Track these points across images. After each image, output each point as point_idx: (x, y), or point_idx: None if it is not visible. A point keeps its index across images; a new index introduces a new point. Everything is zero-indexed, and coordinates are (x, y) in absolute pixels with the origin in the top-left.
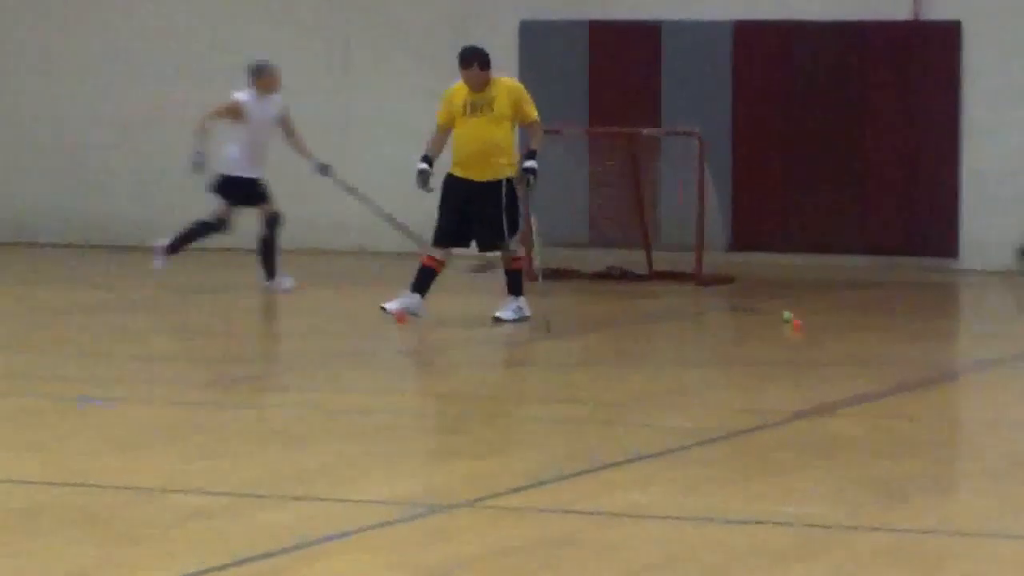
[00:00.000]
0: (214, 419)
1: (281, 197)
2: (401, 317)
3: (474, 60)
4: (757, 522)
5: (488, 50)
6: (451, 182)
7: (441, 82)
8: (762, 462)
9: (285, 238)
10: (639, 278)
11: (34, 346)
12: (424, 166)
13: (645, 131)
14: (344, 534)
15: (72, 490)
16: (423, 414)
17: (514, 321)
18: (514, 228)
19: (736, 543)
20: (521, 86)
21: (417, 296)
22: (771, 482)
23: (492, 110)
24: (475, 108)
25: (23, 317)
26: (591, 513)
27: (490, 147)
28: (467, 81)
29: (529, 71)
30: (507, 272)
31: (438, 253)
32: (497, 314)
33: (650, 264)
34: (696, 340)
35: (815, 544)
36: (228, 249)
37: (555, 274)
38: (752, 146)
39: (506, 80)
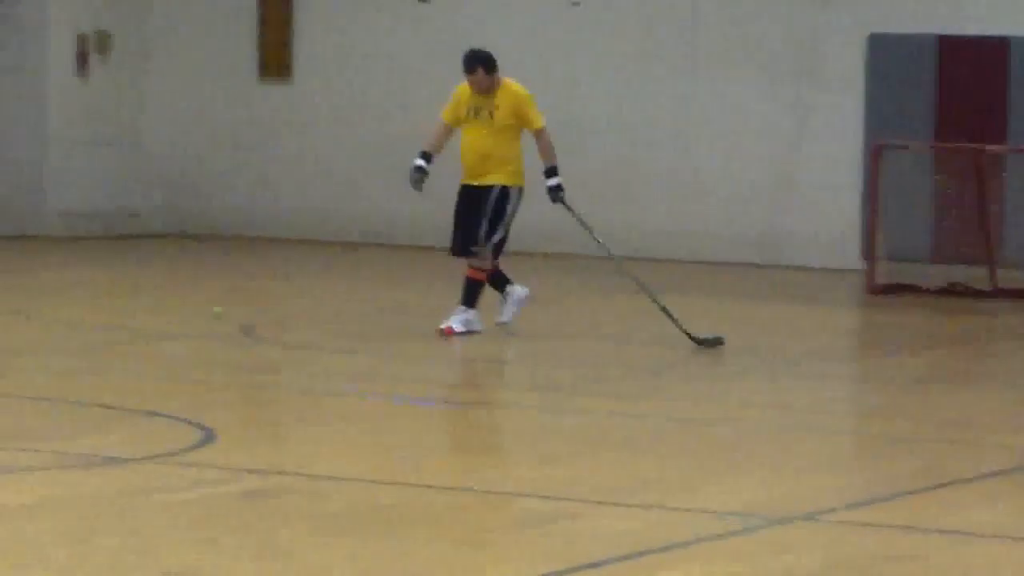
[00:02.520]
0: (553, 424)
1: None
2: (448, 331)
3: (477, 64)
4: None
5: (836, 62)
6: (460, 191)
7: (789, 93)
8: None
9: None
10: (983, 295)
11: (377, 347)
12: (420, 163)
13: (990, 147)
14: (683, 543)
15: (414, 491)
16: (761, 426)
17: (461, 334)
18: (490, 236)
19: None
20: (525, 92)
21: (473, 311)
22: None
23: (492, 117)
24: (477, 112)
25: (368, 318)
26: (934, 531)
27: (487, 156)
28: (471, 85)
29: (876, 84)
30: (465, 279)
31: (476, 262)
32: (441, 326)
33: (994, 281)
34: None
35: None
36: (565, 254)
37: (897, 289)
38: None
39: (512, 85)
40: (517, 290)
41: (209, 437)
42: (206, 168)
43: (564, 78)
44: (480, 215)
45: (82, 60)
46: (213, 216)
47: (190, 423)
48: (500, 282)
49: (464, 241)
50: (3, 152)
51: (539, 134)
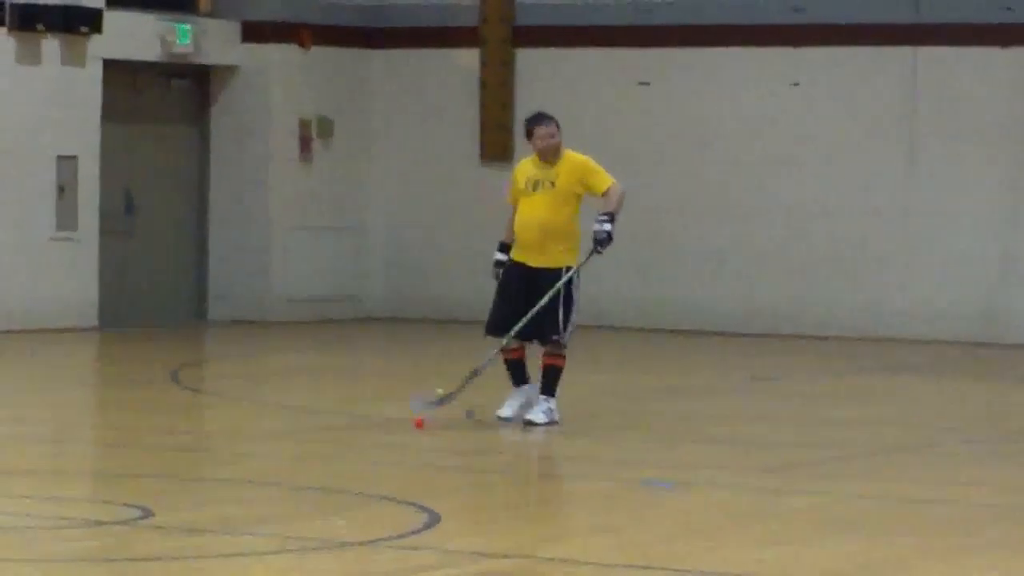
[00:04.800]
0: (780, 505)
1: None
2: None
3: (552, 119)
4: None
5: None
6: (509, 268)
7: (1009, 169)
8: None
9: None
10: None
11: (603, 429)
12: (499, 256)
13: None
14: None
15: (652, 573)
16: (986, 506)
17: (546, 425)
18: (567, 322)
19: None
20: (587, 159)
21: (525, 386)
22: None
23: (554, 187)
24: (537, 184)
25: (592, 400)
26: None
27: (548, 230)
28: (542, 143)
29: None
30: (545, 368)
31: (510, 343)
32: (528, 417)
33: None
34: None
35: None
36: (788, 336)
37: None
38: None
39: (573, 154)
40: (554, 405)
41: (434, 520)
42: (427, 252)
43: (783, 157)
44: (555, 302)
45: (305, 145)
46: (435, 300)
47: (415, 506)
48: (550, 385)
49: (547, 332)
50: (228, 237)
51: (609, 192)
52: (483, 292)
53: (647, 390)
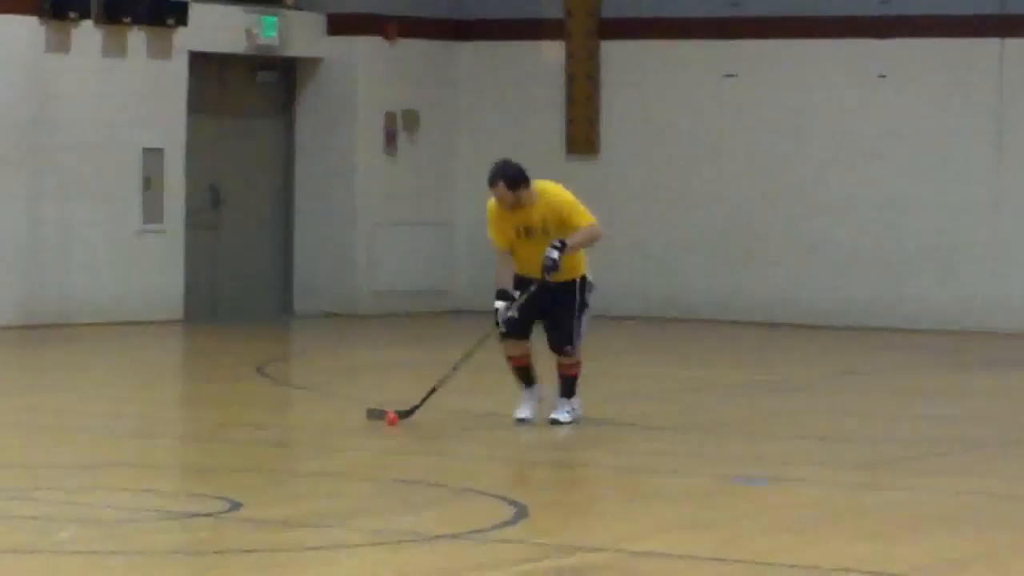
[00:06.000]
0: (874, 501)
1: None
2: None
3: (498, 178)
4: None
5: None
6: (520, 279)
7: None
8: None
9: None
10: None
11: (694, 424)
12: (500, 305)
13: None
14: None
15: (745, 568)
16: None
17: (571, 423)
18: (579, 331)
19: None
20: (564, 196)
21: (536, 386)
22: None
23: (547, 234)
24: (530, 232)
25: (683, 395)
26: None
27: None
28: (498, 200)
29: None
30: (561, 379)
31: (515, 349)
32: (552, 416)
33: None
34: None
35: None
36: (885, 329)
37: None
38: None
39: (548, 191)
40: (576, 403)
41: (523, 514)
42: None
43: (870, 149)
44: (571, 314)
45: (390, 138)
46: None
47: (505, 500)
48: (568, 389)
49: (560, 341)
50: (314, 230)
51: (588, 227)
52: None
53: (738, 385)
